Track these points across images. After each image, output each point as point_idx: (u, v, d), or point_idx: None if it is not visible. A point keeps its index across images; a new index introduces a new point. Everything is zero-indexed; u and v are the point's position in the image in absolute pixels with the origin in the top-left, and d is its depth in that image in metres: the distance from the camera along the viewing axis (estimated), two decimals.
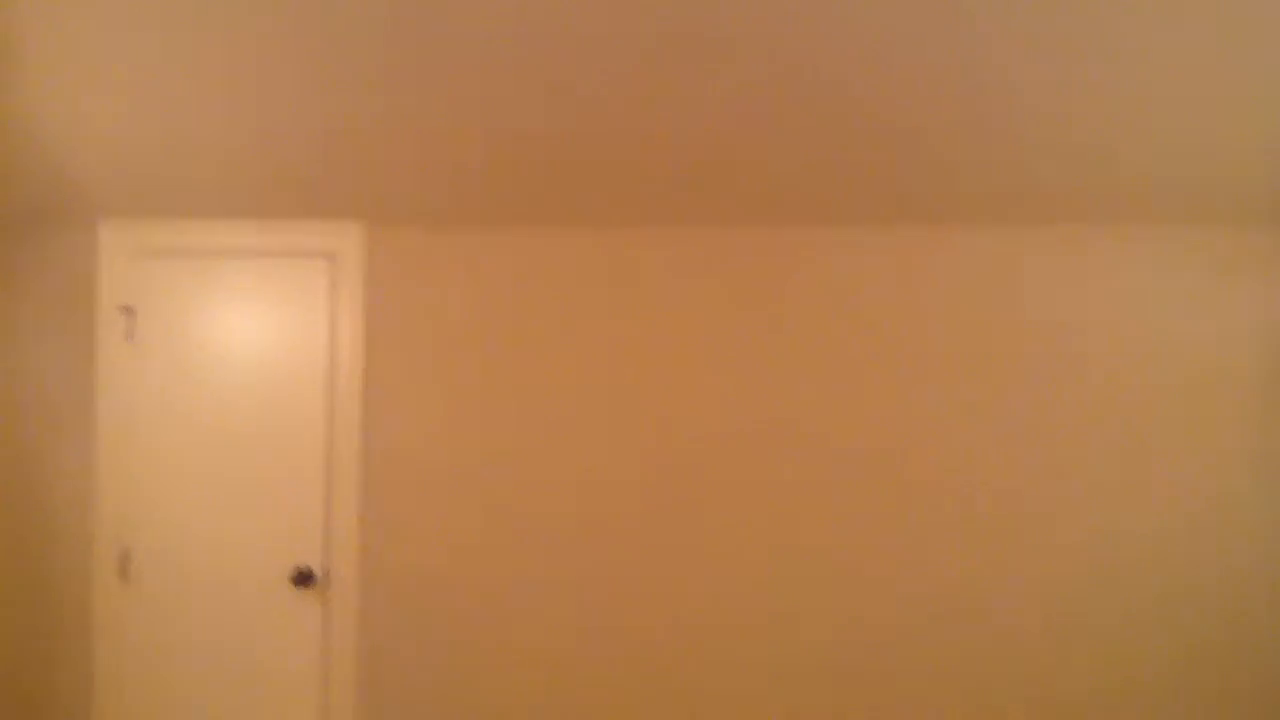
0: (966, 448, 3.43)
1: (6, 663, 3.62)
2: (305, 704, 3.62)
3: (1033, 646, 3.42)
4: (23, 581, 3.64)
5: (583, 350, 3.52)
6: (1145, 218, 3.37)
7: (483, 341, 3.54)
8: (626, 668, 3.53)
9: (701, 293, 3.49)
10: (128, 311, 3.61)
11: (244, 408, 3.61)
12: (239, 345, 3.60)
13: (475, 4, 2.68)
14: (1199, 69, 2.76)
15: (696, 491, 3.50)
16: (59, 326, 3.62)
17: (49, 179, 3.43)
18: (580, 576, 3.53)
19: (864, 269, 3.46)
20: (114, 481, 3.61)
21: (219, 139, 3.20)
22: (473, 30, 2.75)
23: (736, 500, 3.49)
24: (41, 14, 2.77)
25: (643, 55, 2.79)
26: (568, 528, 3.53)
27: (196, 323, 3.61)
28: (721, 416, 3.49)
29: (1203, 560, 3.39)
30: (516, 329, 3.53)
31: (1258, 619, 3.38)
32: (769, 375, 3.48)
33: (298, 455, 3.59)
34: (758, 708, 3.48)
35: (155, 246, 3.59)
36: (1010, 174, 3.17)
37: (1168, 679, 3.40)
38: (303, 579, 3.60)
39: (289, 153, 3.25)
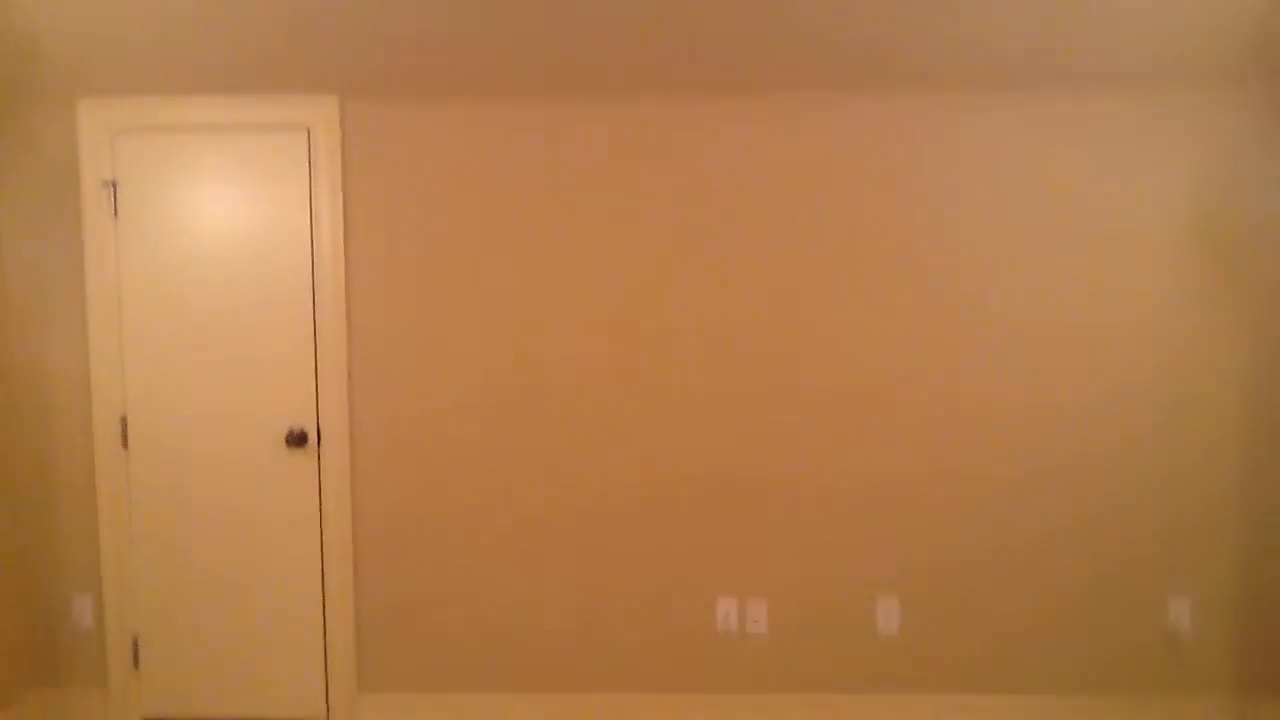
0: (908, 293, 3.58)
1: (17, 531, 3.78)
2: (306, 554, 3.80)
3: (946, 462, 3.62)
4: (27, 454, 3.78)
5: (558, 219, 3.64)
6: (1064, 84, 3.48)
7: (459, 208, 3.65)
8: (590, 518, 3.71)
9: (669, 163, 3.61)
10: (111, 187, 3.70)
11: (231, 278, 3.72)
12: (222, 218, 3.71)
13: None
14: None
15: (661, 355, 3.65)
16: (44, 203, 3.71)
17: (24, 58, 3.50)
18: (549, 432, 3.70)
19: (810, 137, 3.58)
20: (108, 353, 3.74)
21: (193, 13, 3.27)
22: None
23: (699, 360, 3.65)
24: None
25: None
26: (539, 388, 3.69)
27: (180, 197, 3.71)
28: (688, 285, 3.63)
29: (1111, 390, 3.58)
30: (490, 197, 3.65)
31: (1150, 443, 3.58)
32: (733, 240, 3.61)
33: (286, 323, 3.72)
34: (703, 554, 3.68)
35: (134, 123, 3.67)
36: (943, 39, 3.28)
37: (1070, 491, 3.61)
38: (296, 440, 3.75)
39: (263, 26, 3.33)
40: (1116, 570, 3.71)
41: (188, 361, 3.76)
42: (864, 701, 3.78)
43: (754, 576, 3.77)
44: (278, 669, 3.86)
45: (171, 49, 3.48)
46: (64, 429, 3.78)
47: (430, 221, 3.67)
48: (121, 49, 3.48)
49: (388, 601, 3.80)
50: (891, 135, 3.57)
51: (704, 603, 3.78)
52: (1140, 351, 3.62)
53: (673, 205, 3.63)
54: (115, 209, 3.71)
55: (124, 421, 3.78)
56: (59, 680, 3.90)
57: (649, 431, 3.70)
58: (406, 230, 3.67)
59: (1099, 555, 3.71)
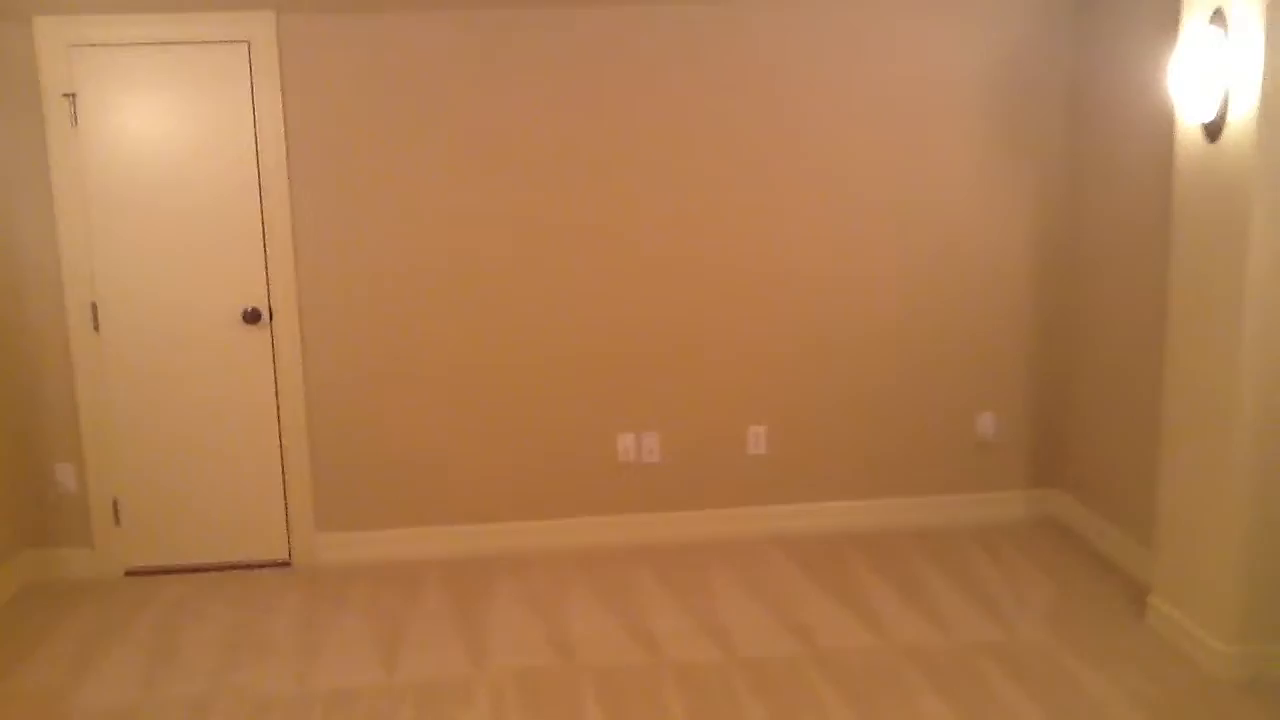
0: (757, 175, 4.38)
1: (10, 406, 4.29)
2: (265, 416, 4.42)
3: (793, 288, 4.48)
4: (7, 340, 4.27)
5: (482, 119, 4.28)
6: None
7: (390, 109, 4.25)
8: (511, 374, 4.44)
9: (572, 71, 4.28)
10: (70, 98, 4.17)
11: (185, 177, 4.25)
12: (175, 123, 4.22)
13: None
14: None
15: (572, 239, 4.36)
16: (7, 113, 4.16)
17: None
18: (473, 305, 4.39)
19: (707, 38, 4.30)
20: (75, 246, 4.24)
21: None
22: None
23: (600, 243, 4.38)
24: None
25: None
26: (465, 266, 4.36)
27: (134, 105, 4.20)
28: (588, 179, 4.33)
29: (929, 246, 4.48)
30: (418, 99, 4.26)
31: (961, 288, 4.51)
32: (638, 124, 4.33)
33: (237, 215, 4.28)
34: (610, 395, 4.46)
35: (89, 39, 4.13)
36: None
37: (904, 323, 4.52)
38: (251, 317, 4.35)
39: None
40: (936, 394, 4.64)
41: (150, 253, 4.29)
42: (741, 513, 4.65)
43: (648, 415, 4.56)
44: (244, 519, 4.49)
45: None
46: (40, 317, 4.27)
47: (364, 121, 4.26)
48: None
49: (337, 453, 4.46)
50: (727, 30, 4.32)
51: (608, 438, 4.57)
52: (950, 210, 4.50)
53: (576, 108, 4.31)
54: (75, 118, 4.18)
55: (94, 307, 4.30)
56: (48, 541, 4.45)
57: (560, 302, 4.42)
58: (342, 130, 4.26)
59: (922, 384, 4.62)
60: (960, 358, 4.60)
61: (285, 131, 4.23)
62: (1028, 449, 4.73)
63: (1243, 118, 3.15)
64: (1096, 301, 4.38)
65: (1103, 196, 4.29)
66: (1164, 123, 3.71)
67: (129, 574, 4.46)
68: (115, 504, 4.42)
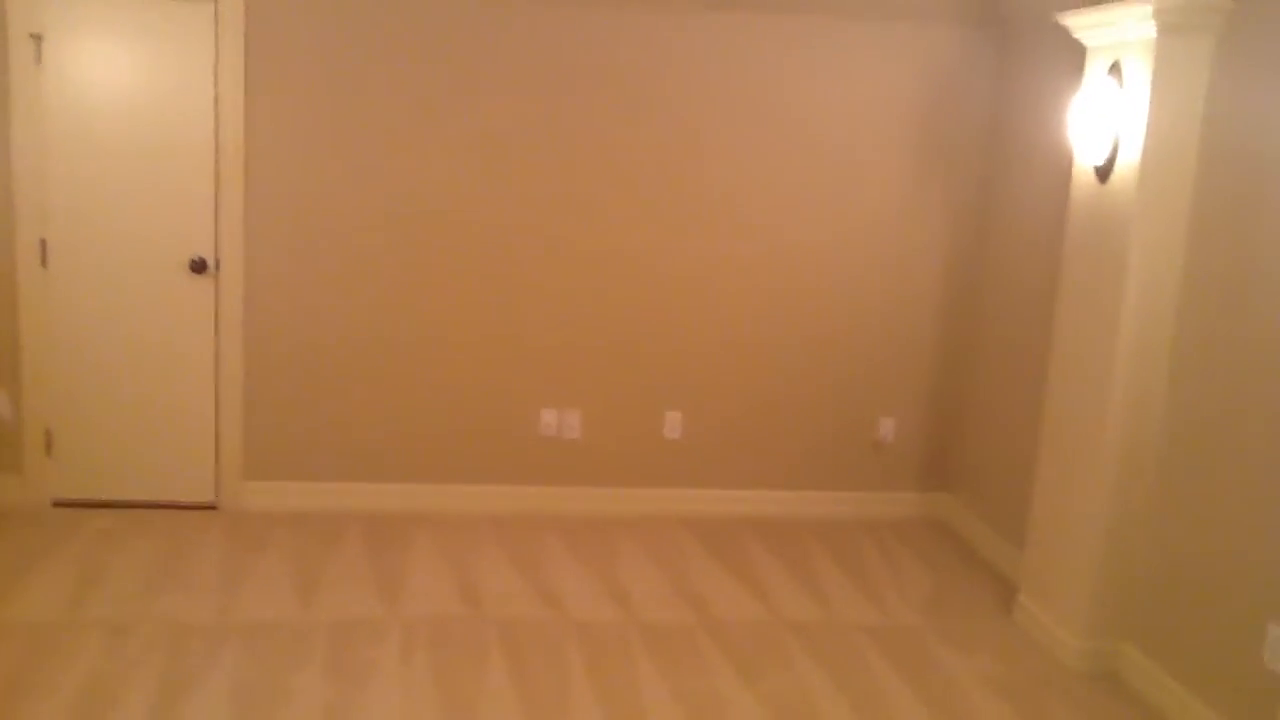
0: (734, 167, 4.67)
1: None
2: (203, 363, 4.59)
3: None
4: None
5: (430, 80, 4.49)
6: (832, 12, 4.60)
7: (344, 69, 4.45)
8: (442, 346, 4.67)
9: (528, 45, 4.51)
10: (36, 39, 4.30)
11: (143, 124, 4.41)
12: (137, 72, 4.37)
13: None
14: None
15: (505, 214, 4.60)
16: None
17: None
18: (408, 270, 4.60)
19: (675, 47, 4.56)
20: (29, 182, 4.37)
21: None
22: None
23: (535, 217, 4.62)
24: None
25: None
26: (401, 232, 4.57)
27: (100, 51, 4.35)
28: (531, 144, 4.57)
29: (846, 264, 4.80)
30: (370, 60, 4.46)
31: (868, 300, 4.84)
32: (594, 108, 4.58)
33: (192, 165, 4.45)
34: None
35: None
36: None
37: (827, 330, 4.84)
38: (198, 267, 4.51)
39: None
40: (842, 398, 4.96)
41: (104, 196, 4.43)
42: (653, 493, 4.92)
43: (571, 393, 4.81)
44: (174, 460, 4.65)
45: None
46: None
47: (320, 85, 4.45)
48: None
49: (270, 404, 4.64)
50: (688, 46, 4.59)
51: (532, 413, 4.81)
52: (869, 233, 4.82)
53: (522, 99, 4.55)
54: (39, 57, 4.31)
55: (43, 244, 4.43)
56: None
57: (496, 279, 4.66)
58: (299, 93, 4.44)
59: (830, 388, 4.94)
60: (867, 367, 4.93)
61: (244, 87, 4.40)
62: (922, 454, 5.07)
63: (1128, 164, 3.49)
64: (994, 323, 4.73)
65: (1007, 228, 4.64)
66: (1065, 161, 4.05)
67: (56, 504, 4.60)
68: (48, 434, 4.55)
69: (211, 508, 4.68)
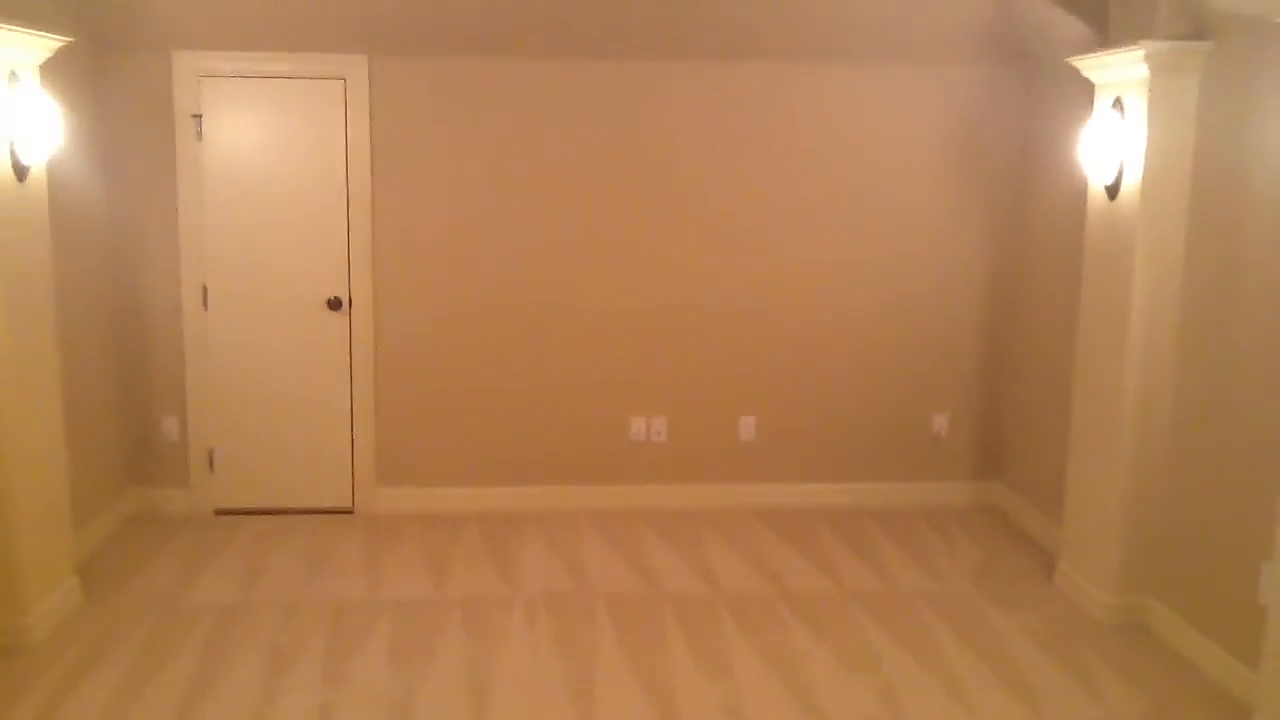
0: (779, 200, 5.31)
1: (121, 371, 5.20)
2: (339, 387, 5.34)
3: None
4: (130, 314, 5.20)
5: (535, 148, 5.22)
6: (867, 57, 5.23)
7: (459, 136, 5.19)
8: (546, 363, 5.36)
9: (615, 111, 5.22)
10: (197, 118, 5.11)
11: (286, 186, 5.18)
12: (280, 141, 5.16)
13: None
14: None
15: (601, 253, 5.29)
16: (144, 129, 5.10)
17: (131, 18, 4.86)
18: (518, 304, 5.31)
19: (719, 95, 5.24)
20: (192, 238, 5.17)
21: None
22: None
23: (625, 255, 5.31)
24: None
25: None
26: (510, 271, 5.28)
27: (249, 125, 5.15)
28: (626, 195, 5.27)
29: (898, 274, 5.40)
30: (482, 128, 5.20)
31: (922, 306, 5.43)
32: (674, 163, 5.27)
33: (327, 219, 5.21)
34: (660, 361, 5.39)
35: (215, 71, 5.07)
36: (794, 23, 4.96)
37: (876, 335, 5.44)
38: (334, 305, 5.27)
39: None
40: (899, 398, 5.55)
41: (253, 248, 5.22)
42: (732, 489, 5.55)
43: (658, 402, 5.48)
44: (317, 471, 5.40)
45: (244, 14, 4.90)
46: (159, 295, 5.19)
47: (433, 145, 5.20)
48: (207, 12, 4.88)
49: (397, 421, 5.37)
50: (754, 93, 5.26)
51: (622, 420, 5.48)
52: (918, 250, 5.42)
53: (608, 140, 5.25)
54: (200, 134, 5.12)
55: (204, 289, 5.23)
56: (152, 481, 5.36)
57: (587, 306, 5.35)
58: (416, 152, 5.19)
59: (887, 389, 5.53)
60: (921, 370, 5.52)
61: (370, 151, 5.16)
62: (974, 446, 5.64)
63: (1132, 183, 4.07)
64: (1029, 326, 5.30)
65: (1038, 242, 5.22)
66: (1083, 183, 4.62)
67: (218, 512, 5.37)
68: (210, 453, 5.33)
69: (349, 512, 5.41)
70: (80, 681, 3.70)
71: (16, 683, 3.68)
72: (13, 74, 3.74)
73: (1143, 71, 3.92)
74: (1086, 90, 4.42)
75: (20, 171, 3.83)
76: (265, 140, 5.14)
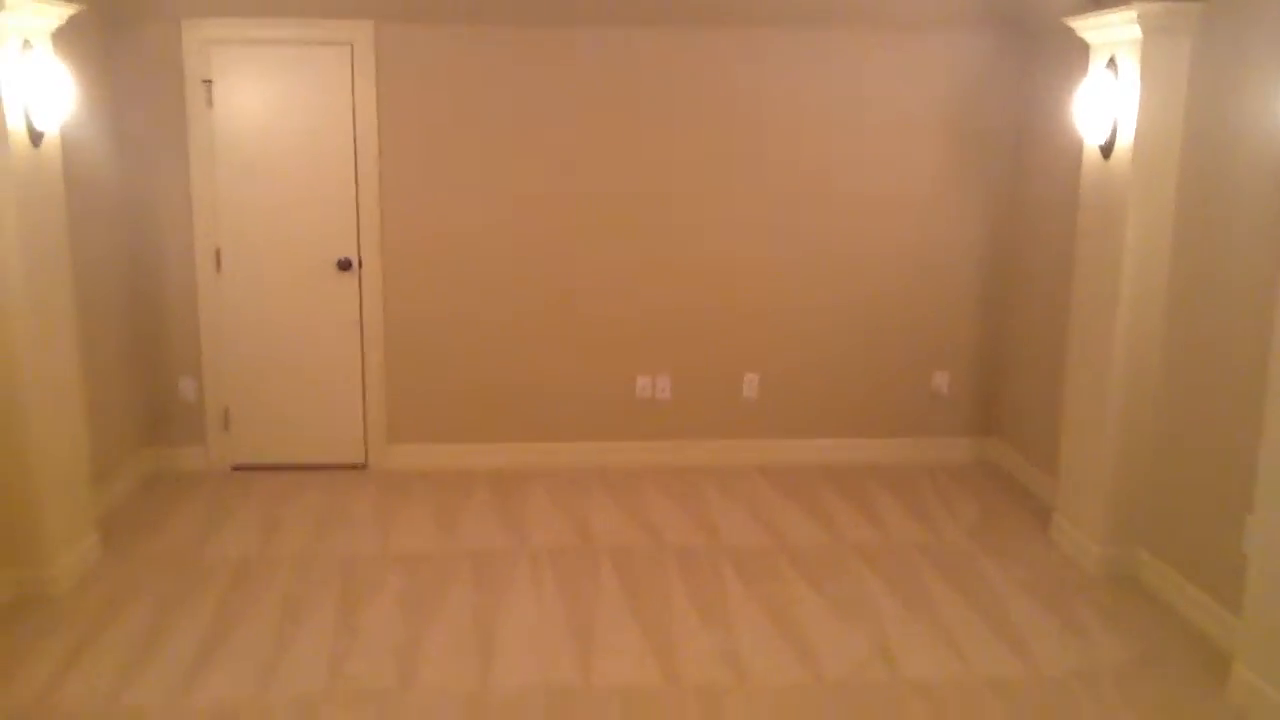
0: (767, 165, 5.38)
1: (139, 333, 5.33)
2: (350, 345, 5.46)
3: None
4: (147, 275, 5.32)
5: (537, 109, 5.29)
6: (874, 24, 5.27)
7: (462, 99, 5.27)
8: (554, 323, 5.46)
9: (615, 75, 5.29)
10: (207, 84, 5.20)
11: (295, 150, 5.27)
12: (289, 106, 5.24)
13: None
14: None
15: (604, 209, 5.38)
16: (156, 95, 5.19)
17: None
18: (523, 263, 5.40)
19: (730, 62, 5.29)
20: (204, 202, 5.28)
21: None
22: None
23: (635, 216, 5.39)
24: None
25: None
26: (514, 232, 5.37)
27: (258, 91, 5.23)
28: (631, 153, 5.34)
29: (897, 235, 5.48)
30: (484, 91, 5.27)
31: (922, 268, 5.51)
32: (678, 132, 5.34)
33: (336, 182, 5.30)
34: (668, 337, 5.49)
35: (224, 37, 5.15)
36: None
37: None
38: (344, 266, 5.38)
39: None
40: (899, 356, 5.64)
41: (264, 210, 5.32)
42: (735, 445, 5.67)
43: (662, 361, 5.58)
44: (330, 428, 5.53)
45: None
46: (174, 258, 5.31)
47: (439, 109, 5.28)
48: None
49: (407, 379, 5.50)
50: (757, 57, 5.31)
51: (628, 378, 5.60)
52: (917, 210, 5.49)
53: (605, 105, 5.32)
54: (210, 100, 5.21)
55: (218, 252, 5.34)
56: (170, 441, 5.50)
57: (593, 265, 5.44)
58: (422, 115, 5.27)
59: (887, 346, 5.62)
60: (921, 328, 5.60)
61: (377, 115, 5.24)
62: (972, 403, 5.73)
63: (1125, 142, 4.13)
64: (1028, 284, 5.37)
65: (1035, 201, 5.28)
66: (1078, 142, 4.67)
67: (235, 469, 5.52)
68: (226, 412, 5.47)
69: (361, 467, 5.55)
70: (103, 630, 3.86)
71: (43, 630, 3.84)
72: (26, 42, 3.83)
73: (1135, 32, 3.97)
74: (1081, 54, 4.46)
75: (35, 137, 3.93)
76: (274, 105, 5.23)
